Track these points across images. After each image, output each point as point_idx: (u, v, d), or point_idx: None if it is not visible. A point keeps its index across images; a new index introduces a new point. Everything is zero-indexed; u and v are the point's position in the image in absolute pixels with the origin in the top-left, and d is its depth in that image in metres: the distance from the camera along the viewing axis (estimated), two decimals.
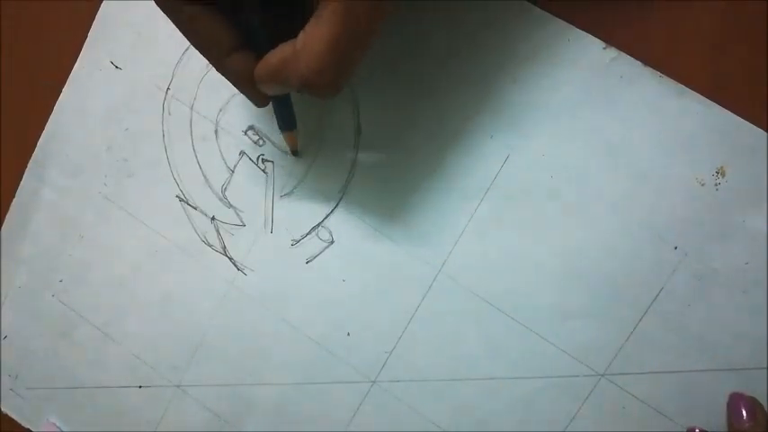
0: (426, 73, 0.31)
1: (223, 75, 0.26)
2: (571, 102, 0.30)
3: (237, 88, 0.27)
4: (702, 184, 0.30)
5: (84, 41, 0.35)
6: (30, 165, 0.37)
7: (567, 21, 0.30)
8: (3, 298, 0.38)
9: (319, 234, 0.34)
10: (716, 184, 0.30)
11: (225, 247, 0.35)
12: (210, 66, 0.27)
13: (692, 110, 0.29)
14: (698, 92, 0.29)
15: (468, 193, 0.32)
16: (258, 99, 0.28)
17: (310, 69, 0.23)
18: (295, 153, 0.33)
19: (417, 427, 0.33)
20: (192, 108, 0.34)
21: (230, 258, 0.35)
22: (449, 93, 0.31)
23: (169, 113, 0.35)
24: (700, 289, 0.30)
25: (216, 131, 0.34)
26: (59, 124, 0.36)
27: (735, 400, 0.30)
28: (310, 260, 0.34)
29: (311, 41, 0.23)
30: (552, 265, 0.31)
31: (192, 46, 0.26)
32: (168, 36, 0.34)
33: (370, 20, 0.23)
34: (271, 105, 0.30)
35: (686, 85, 0.29)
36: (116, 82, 0.35)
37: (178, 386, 0.36)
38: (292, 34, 0.24)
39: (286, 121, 0.31)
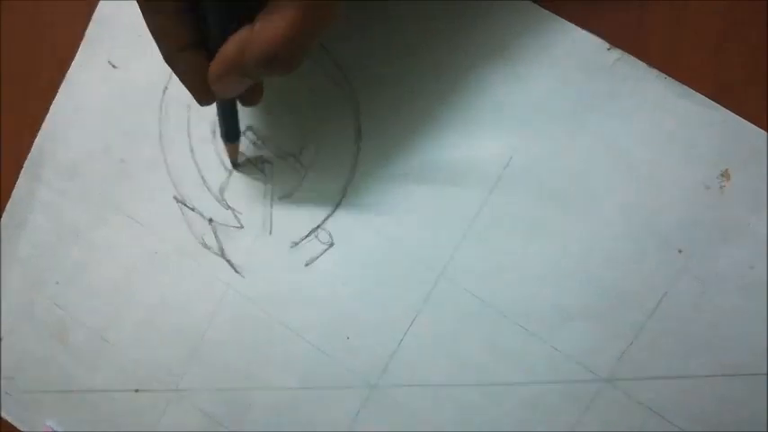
0: (428, 74, 0.31)
1: (170, 67, 0.27)
2: (575, 103, 0.30)
3: (183, 83, 0.27)
4: (707, 187, 0.29)
5: (80, 41, 0.35)
6: (26, 165, 0.36)
7: (572, 21, 0.30)
8: None
9: (319, 236, 0.33)
10: (720, 187, 0.29)
11: (223, 249, 0.35)
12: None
13: (697, 112, 0.29)
14: (703, 94, 0.29)
15: (470, 195, 0.32)
16: (203, 98, 0.28)
17: (271, 43, 0.23)
18: (235, 166, 0.33)
19: None
20: (189, 109, 0.34)
21: (228, 261, 0.35)
22: (450, 94, 0.31)
23: (167, 114, 0.34)
24: (704, 292, 0.30)
25: (214, 132, 0.34)
26: (56, 124, 0.36)
27: None
28: (309, 263, 0.34)
29: (273, 18, 0.23)
30: (555, 269, 0.31)
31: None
32: None
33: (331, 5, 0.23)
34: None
35: (691, 87, 0.29)
36: (113, 82, 0.35)
37: (175, 390, 0.36)
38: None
39: (231, 132, 0.31)
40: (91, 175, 0.36)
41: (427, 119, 0.32)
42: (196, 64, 0.26)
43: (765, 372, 0.30)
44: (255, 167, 0.34)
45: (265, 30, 0.23)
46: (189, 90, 0.28)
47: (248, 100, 0.31)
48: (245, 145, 0.34)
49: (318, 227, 0.33)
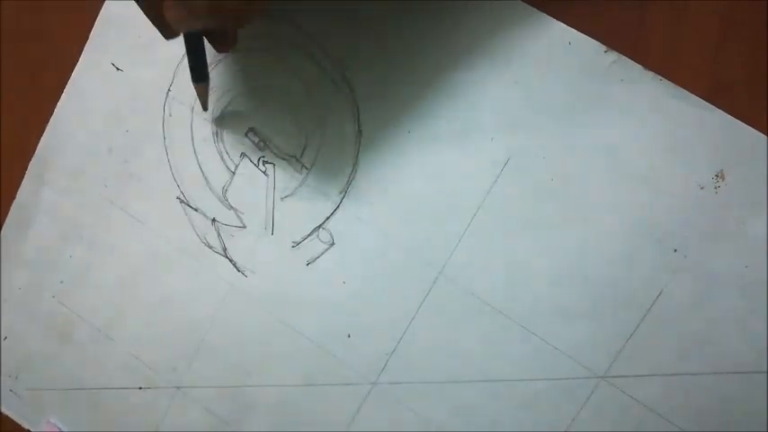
0: (427, 75, 0.32)
1: (137, 2, 0.27)
2: (572, 104, 0.30)
3: (147, 16, 0.27)
4: (702, 188, 0.30)
5: (85, 43, 0.35)
6: (30, 166, 0.37)
7: (571, 22, 0.30)
8: (3, 299, 0.38)
9: (320, 236, 0.34)
10: (715, 188, 0.30)
11: (225, 248, 0.35)
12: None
13: (692, 113, 0.29)
14: (698, 95, 0.29)
15: (469, 195, 0.32)
16: (166, 31, 0.28)
17: None
18: (205, 108, 0.33)
19: (417, 429, 0.34)
20: (192, 110, 0.34)
21: (231, 260, 0.35)
22: (449, 94, 0.31)
23: (170, 115, 0.35)
24: (699, 292, 0.30)
25: (217, 133, 0.34)
26: (60, 126, 0.36)
27: None
28: (311, 262, 0.34)
29: None
30: (552, 268, 0.31)
31: None
32: None
33: None
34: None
35: (686, 89, 0.29)
36: (117, 83, 0.35)
37: (178, 387, 0.36)
38: None
39: (198, 73, 0.30)
40: (95, 175, 0.36)
41: (426, 120, 0.32)
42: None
43: (765, 370, 0.30)
44: (251, 161, 0.34)
45: None
46: (152, 22, 0.27)
47: (219, 45, 0.30)
48: (250, 143, 0.34)
49: (319, 226, 0.34)
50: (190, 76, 0.31)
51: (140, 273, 0.36)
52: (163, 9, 0.26)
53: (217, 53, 0.31)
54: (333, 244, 0.34)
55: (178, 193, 0.35)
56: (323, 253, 0.34)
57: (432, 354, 0.33)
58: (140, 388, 0.36)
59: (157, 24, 0.27)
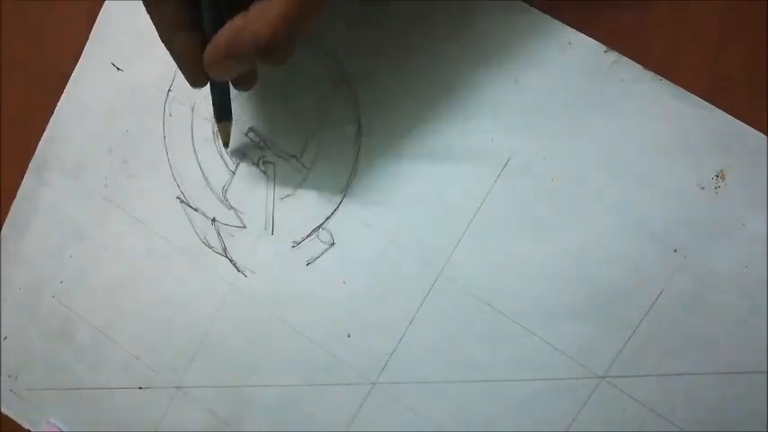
0: (427, 75, 0.32)
1: (166, 47, 0.27)
2: (572, 105, 0.30)
3: (177, 64, 0.28)
4: (702, 188, 0.30)
5: (85, 42, 0.35)
6: (30, 166, 0.37)
7: (572, 22, 0.30)
8: (3, 299, 0.38)
9: (320, 236, 0.34)
10: (716, 188, 0.30)
11: (225, 248, 0.35)
12: None
13: (693, 113, 0.29)
14: (698, 95, 0.29)
15: (468, 195, 0.32)
16: (196, 80, 0.28)
17: (263, 31, 0.23)
18: (226, 145, 0.33)
19: (417, 429, 0.34)
20: (192, 110, 0.34)
21: (231, 260, 0.35)
22: (450, 94, 0.31)
23: (170, 115, 0.35)
24: (699, 292, 0.30)
25: (217, 133, 0.34)
26: (60, 125, 0.36)
27: None
28: (311, 262, 0.34)
29: (265, 6, 0.23)
30: (552, 268, 0.31)
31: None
32: None
33: None
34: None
35: (691, 87, 0.29)
36: (117, 83, 0.35)
37: (178, 387, 0.36)
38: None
39: (222, 112, 0.31)
40: (95, 175, 0.36)
41: (427, 120, 0.32)
42: (191, 45, 0.26)
43: (765, 370, 0.30)
44: (251, 160, 0.34)
45: (257, 18, 0.23)
46: (182, 71, 0.28)
47: (242, 84, 0.31)
48: (250, 143, 0.34)
49: (319, 226, 0.34)
50: (213, 114, 0.31)
51: (140, 273, 0.36)
52: (204, 62, 0.26)
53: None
54: (333, 244, 0.34)
55: (178, 193, 0.35)
56: (323, 253, 0.34)
57: (432, 354, 0.33)
58: (140, 388, 0.36)
59: (188, 72, 0.28)
